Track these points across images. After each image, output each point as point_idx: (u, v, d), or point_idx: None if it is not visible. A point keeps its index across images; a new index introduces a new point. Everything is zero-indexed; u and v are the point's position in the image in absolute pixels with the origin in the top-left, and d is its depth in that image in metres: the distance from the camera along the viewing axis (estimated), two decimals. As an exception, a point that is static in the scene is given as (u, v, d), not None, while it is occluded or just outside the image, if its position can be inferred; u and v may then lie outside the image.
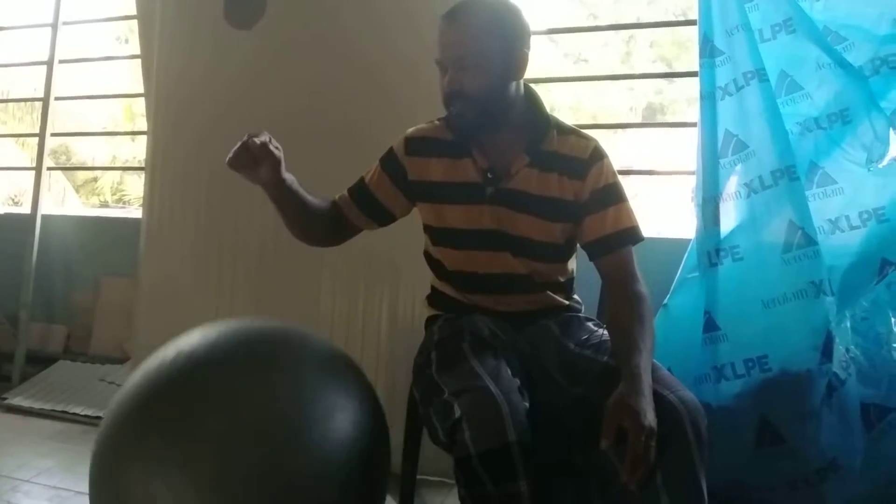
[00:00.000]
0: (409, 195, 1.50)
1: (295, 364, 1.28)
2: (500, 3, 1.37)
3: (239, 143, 1.30)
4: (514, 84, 1.39)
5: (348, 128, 2.28)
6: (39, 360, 3.01)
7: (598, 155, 1.42)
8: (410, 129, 1.51)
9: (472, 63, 1.32)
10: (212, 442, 1.14)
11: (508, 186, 1.41)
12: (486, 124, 1.38)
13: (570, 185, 1.41)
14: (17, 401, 2.70)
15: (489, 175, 1.41)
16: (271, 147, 1.31)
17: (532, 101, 1.44)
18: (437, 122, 1.49)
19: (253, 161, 1.30)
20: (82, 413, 2.58)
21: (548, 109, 1.47)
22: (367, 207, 1.51)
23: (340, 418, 1.24)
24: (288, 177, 1.37)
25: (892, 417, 1.67)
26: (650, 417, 1.09)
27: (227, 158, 1.30)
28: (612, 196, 1.41)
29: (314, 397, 1.23)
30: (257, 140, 1.29)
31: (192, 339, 1.29)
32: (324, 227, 1.50)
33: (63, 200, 9.07)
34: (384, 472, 1.37)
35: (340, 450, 1.21)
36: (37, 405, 2.66)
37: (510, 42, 1.35)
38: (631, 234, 1.42)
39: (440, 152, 1.45)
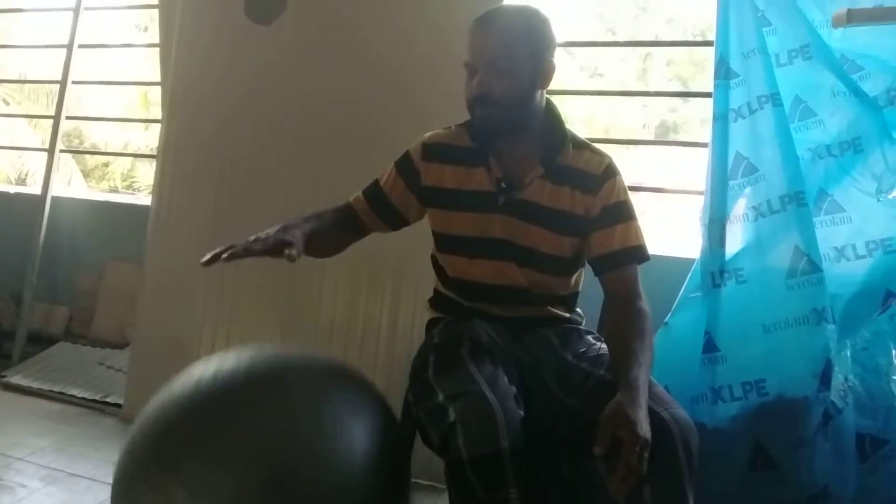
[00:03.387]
0: (422, 200, 1.50)
1: (327, 403, 1.25)
2: (531, 12, 1.39)
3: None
4: (538, 93, 1.40)
5: (364, 127, 2.30)
6: (40, 341, 3.03)
7: (611, 172, 1.43)
8: (428, 134, 1.52)
9: (503, 67, 1.33)
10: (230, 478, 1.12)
11: (521, 197, 1.42)
12: (509, 130, 1.39)
13: (582, 199, 1.41)
14: (15, 379, 2.71)
15: (502, 184, 1.42)
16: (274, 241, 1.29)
17: (551, 114, 1.45)
18: (454, 128, 1.50)
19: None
20: (79, 395, 2.59)
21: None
22: (380, 210, 1.52)
23: (359, 441, 1.22)
24: (300, 237, 1.33)
25: (888, 449, 1.66)
26: (645, 429, 1.09)
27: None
28: (621, 213, 1.42)
29: (346, 444, 1.21)
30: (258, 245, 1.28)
31: (210, 368, 1.26)
32: (338, 240, 1.51)
33: (69, 184, 9.09)
34: (405, 484, 1.36)
35: (360, 470, 1.19)
36: (35, 385, 2.67)
37: (539, 50, 1.36)
38: (637, 253, 1.42)
39: (456, 159, 1.46)
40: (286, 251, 1.25)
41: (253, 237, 1.27)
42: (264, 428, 1.15)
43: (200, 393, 1.20)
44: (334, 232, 1.48)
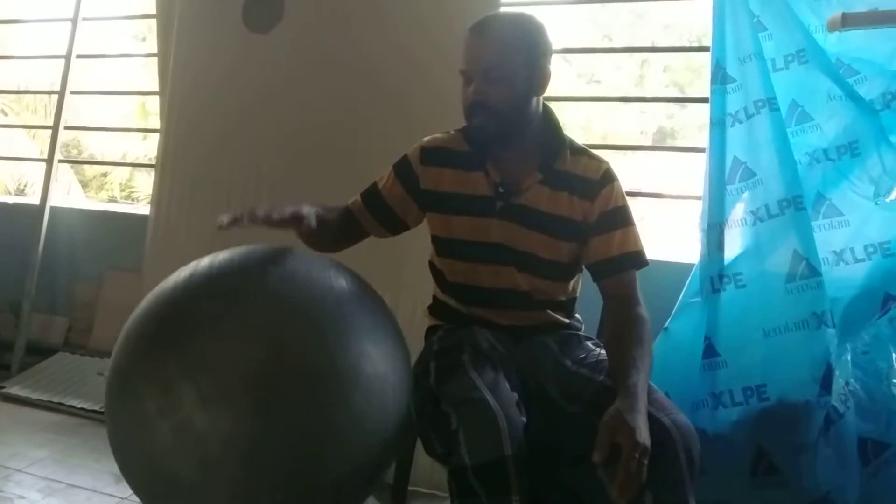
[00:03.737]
0: (420, 204, 1.50)
1: (332, 295, 1.21)
2: (526, 19, 1.40)
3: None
4: (534, 100, 1.41)
5: (362, 134, 2.30)
6: (39, 351, 3.02)
7: (609, 177, 1.43)
8: (426, 139, 1.52)
9: (497, 75, 1.34)
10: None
11: (519, 202, 1.42)
12: (504, 138, 1.39)
13: (580, 205, 1.41)
14: (14, 390, 2.70)
15: (500, 189, 1.42)
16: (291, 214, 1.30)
17: (549, 120, 1.46)
18: (452, 133, 1.51)
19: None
20: (78, 406, 2.59)
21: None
22: (378, 213, 1.52)
23: (373, 354, 1.18)
24: (313, 213, 1.33)
25: (890, 453, 1.66)
26: (644, 435, 1.09)
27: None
28: (620, 219, 1.42)
29: (348, 331, 1.17)
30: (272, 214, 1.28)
31: (222, 258, 1.23)
32: (335, 238, 1.51)
33: (68, 194, 9.08)
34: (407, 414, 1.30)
35: (371, 387, 1.15)
36: (34, 395, 2.66)
37: (534, 57, 1.37)
38: (636, 259, 1.42)
39: (454, 163, 1.46)
40: (305, 221, 1.28)
41: (269, 205, 1.28)
42: (263, 305, 1.13)
43: (196, 276, 1.19)
44: (335, 228, 1.48)
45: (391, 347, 1.23)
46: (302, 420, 1.08)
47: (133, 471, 1.19)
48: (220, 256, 1.23)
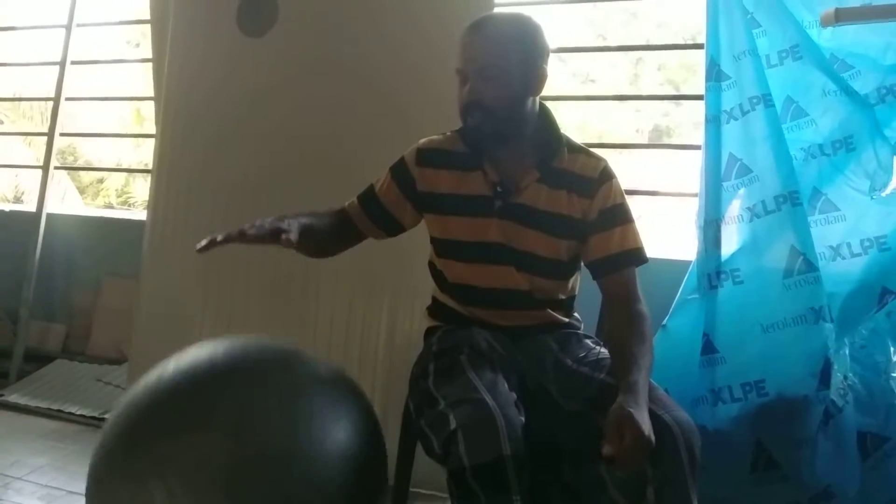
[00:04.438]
0: (417, 206, 1.50)
1: (291, 380, 1.28)
2: (524, 19, 1.40)
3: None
4: (531, 99, 1.41)
5: (358, 137, 2.30)
6: (37, 358, 3.01)
7: (607, 175, 1.43)
8: (423, 140, 1.52)
9: (493, 74, 1.34)
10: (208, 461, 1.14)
11: (517, 201, 1.42)
12: (501, 137, 1.39)
13: (579, 203, 1.42)
14: (13, 398, 2.70)
15: (498, 189, 1.42)
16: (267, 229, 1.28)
17: (546, 119, 1.46)
18: (449, 134, 1.51)
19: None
20: (78, 412, 2.58)
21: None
22: (375, 215, 1.52)
23: (336, 433, 1.23)
24: (295, 225, 1.32)
25: (889, 447, 1.66)
26: (649, 429, 1.09)
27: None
28: (619, 216, 1.42)
29: (310, 414, 1.23)
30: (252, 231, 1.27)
31: (188, 358, 1.29)
32: (331, 242, 1.51)
33: (63, 200, 9.07)
34: (382, 483, 1.37)
35: (336, 465, 1.20)
36: (33, 403, 2.66)
37: (531, 57, 1.37)
38: (635, 256, 1.42)
39: (451, 164, 1.46)
40: (283, 235, 1.25)
41: (248, 224, 1.27)
42: (233, 408, 1.17)
43: (165, 380, 1.23)
44: (328, 233, 1.47)
45: (357, 424, 1.28)
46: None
47: None
48: (188, 356, 1.29)
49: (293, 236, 1.26)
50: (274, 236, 1.26)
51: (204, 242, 1.24)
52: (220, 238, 1.24)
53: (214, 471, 1.12)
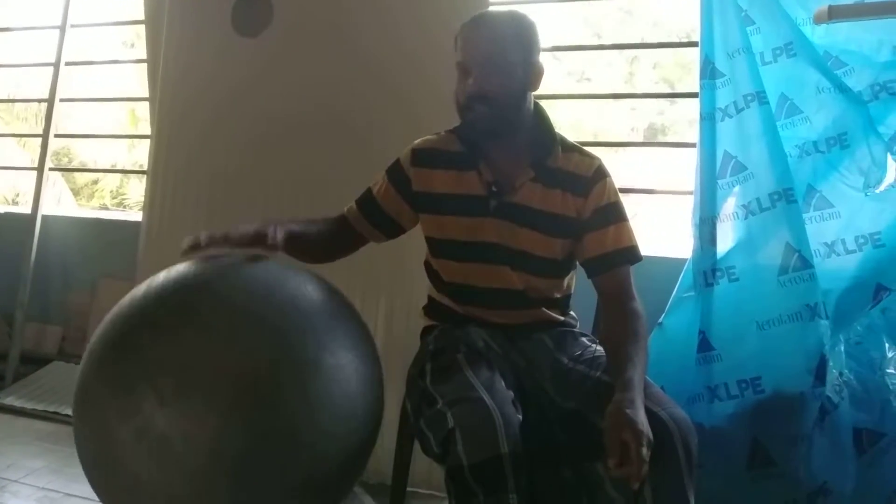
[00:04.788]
0: (413, 206, 1.51)
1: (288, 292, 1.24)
2: (520, 15, 1.42)
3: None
4: (529, 95, 1.42)
5: (355, 137, 2.30)
6: (33, 361, 3.01)
7: (601, 173, 1.44)
8: (417, 141, 1.52)
9: (498, 63, 1.35)
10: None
11: (512, 200, 1.42)
12: (502, 131, 1.40)
13: (573, 201, 1.42)
14: (9, 401, 2.69)
15: (493, 188, 1.42)
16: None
17: (540, 117, 1.46)
18: (443, 134, 1.51)
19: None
20: (74, 415, 2.57)
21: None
22: (374, 218, 1.52)
23: (332, 346, 1.20)
24: (280, 231, 1.33)
25: (885, 443, 1.67)
26: (645, 425, 1.09)
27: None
28: (613, 215, 1.43)
29: (306, 328, 1.19)
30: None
31: (177, 269, 1.26)
32: (329, 248, 1.51)
33: (59, 202, 9.05)
34: (380, 409, 1.33)
35: (331, 376, 1.18)
36: (29, 405, 2.65)
37: (529, 52, 1.38)
38: (630, 254, 1.43)
39: (446, 164, 1.46)
40: (268, 239, 1.27)
41: (233, 227, 1.28)
42: (220, 311, 1.15)
43: (153, 288, 1.21)
44: (325, 240, 1.48)
45: (353, 340, 1.25)
46: (261, 416, 1.09)
47: (97, 478, 1.20)
48: (177, 268, 1.26)
49: (278, 240, 1.28)
50: (258, 240, 1.27)
51: (187, 244, 1.23)
52: (203, 241, 1.23)
53: (206, 378, 1.09)
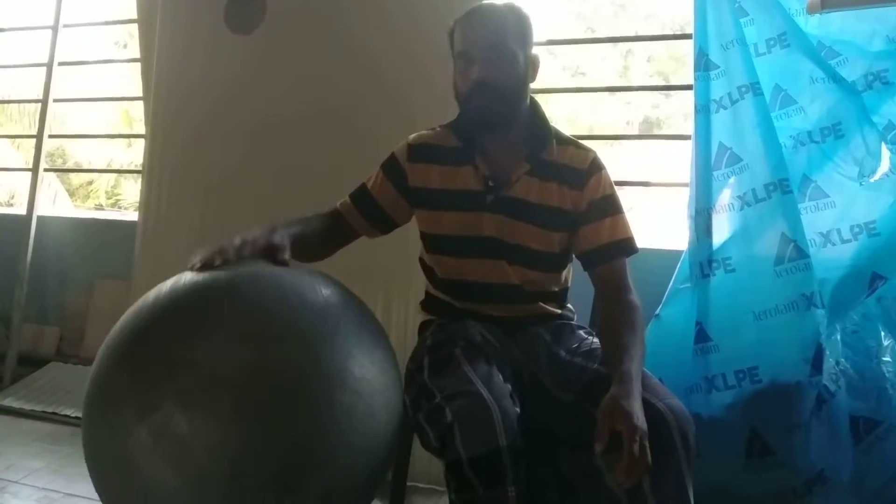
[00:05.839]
0: (409, 201, 1.51)
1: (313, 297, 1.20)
2: (516, 7, 1.42)
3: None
4: (528, 87, 1.42)
5: (350, 134, 2.30)
6: (31, 362, 3.00)
7: (596, 166, 1.44)
8: (412, 136, 1.52)
9: (501, 51, 1.35)
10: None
11: (508, 194, 1.42)
12: (504, 120, 1.40)
13: (569, 194, 1.42)
14: (7, 402, 2.69)
15: (490, 183, 1.43)
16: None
17: (535, 111, 1.47)
18: (438, 129, 1.51)
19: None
20: (73, 415, 2.57)
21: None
22: (369, 214, 1.52)
23: (356, 352, 1.17)
24: (287, 239, 1.32)
25: (881, 430, 1.67)
26: (641, 419, 1.10)
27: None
28: (609, 207, 1.43)
29: (332, 332, 1.16)
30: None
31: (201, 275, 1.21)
32: (323, 244, 1.50)
33: (54, 203, 9.02)
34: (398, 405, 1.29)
35: (353, 385, 1.13)
36: (27, 406, 2.65)
37: (527, 42, 1.40)
38: (626, 246, 1.43)
39: (442, 159, 1.46)
40: (279, 256, 1.26)
41: (240, 240, 1.26)
42: (248, 313, 1.10)
43: (179, 287, 1.17)
44: (320, 237, 1.47)
45: (379, 352, 1.23)
46: (287, 424, 1.06)
47: (108, 482, 1.13)
48: (199, 275, 1.20)
49: (285, 254, 1.28)
50: (269, 251, 1.27)
51: (199, 263, 1.21)
52: (217, 262, 1.21)
53: (231, 382, 1.03)
